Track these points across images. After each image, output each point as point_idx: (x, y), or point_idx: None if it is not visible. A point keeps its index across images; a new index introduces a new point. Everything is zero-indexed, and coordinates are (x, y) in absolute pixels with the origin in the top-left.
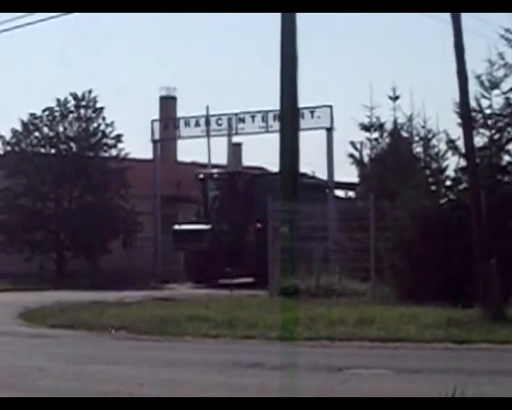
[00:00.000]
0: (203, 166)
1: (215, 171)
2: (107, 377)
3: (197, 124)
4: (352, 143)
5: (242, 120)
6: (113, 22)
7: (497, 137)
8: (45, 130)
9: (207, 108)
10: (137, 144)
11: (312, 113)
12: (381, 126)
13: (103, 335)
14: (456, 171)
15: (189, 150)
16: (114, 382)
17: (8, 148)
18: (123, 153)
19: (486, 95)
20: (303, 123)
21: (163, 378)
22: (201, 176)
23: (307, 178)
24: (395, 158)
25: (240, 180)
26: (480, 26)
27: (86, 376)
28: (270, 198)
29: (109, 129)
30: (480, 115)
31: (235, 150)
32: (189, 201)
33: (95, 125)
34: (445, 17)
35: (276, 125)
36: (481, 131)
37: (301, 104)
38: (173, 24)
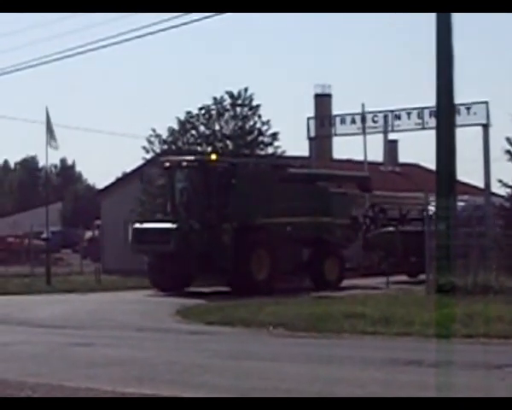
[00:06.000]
0: (359, 163)
1: (184, 158)
2: (265, 374)
3: (353, 121)
4: (508, 140)
5: (398, 117)
6: (269, 21)
7: None
8: (202, 128)
9: (363, 105)
10: (293, 142)
11: (468, 109)
12: None
13: (261, 332)
14: None
15: (345, 148)
16: (273, 378)
17: (165, 146)
18: (279, 151)
19: None
20: (459, 119)
21: (321, 375)
22: (167, 164)
23: (295, 169)
24: None
25: (213, 169)
26: None
27: (245, 372)
28: (256, 190)
29: (265, 127)
30: None
31: (390, 147)
32: None
33: (251, 123)
34: None
35: (432, 122)
36: None
37: (457, 100)
38: (328, 22)
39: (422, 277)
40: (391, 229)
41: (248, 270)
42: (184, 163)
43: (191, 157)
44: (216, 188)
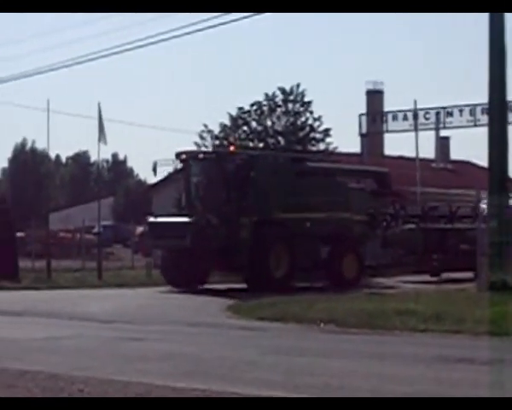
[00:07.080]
0: (410, 160)
1: (201, 150)
2: (316, 370)
3: (405, 118)
4: None
5: (450, 114)
6: (322, 19)
7: None
8: (253, 124)
9: (415, 102)
10: (345, 138)
11: None
12: None
13: (312, 328)
14: None
15: (397, 144)
16: (324, 374)
17: (217, 142)
18: (331, 147)
19: None
20: (511, 116)
21: (372, 371)
22: (183, 157)
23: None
24: None
25: (231, 162)
26: None
27: (296, 368)
28: (275, 184)
29: (317, 123)
30: None
31: (442, 144)
32: (396, 195)
33: (303, 119)
34: None
35: (484, 119)
36: None
37: (510, 97)
38: (380, 20)
39: (445, 275)
40: (411, 226)
41: (266, 266)
42: (201, 155)
43: (208, 149)
44: (234, 181)
